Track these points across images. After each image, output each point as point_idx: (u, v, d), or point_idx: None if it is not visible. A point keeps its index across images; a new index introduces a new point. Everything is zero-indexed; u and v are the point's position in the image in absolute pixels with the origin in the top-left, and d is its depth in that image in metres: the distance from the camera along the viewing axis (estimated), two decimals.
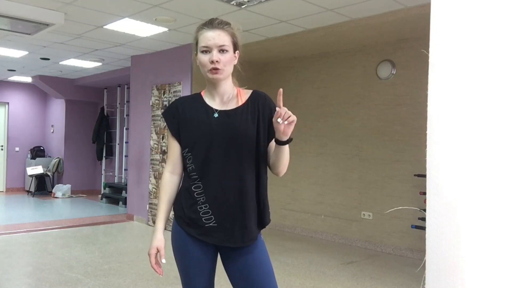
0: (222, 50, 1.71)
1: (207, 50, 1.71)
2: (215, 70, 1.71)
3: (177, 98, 1.90)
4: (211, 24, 1.73)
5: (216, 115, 1.76)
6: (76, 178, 10.24)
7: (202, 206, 1.73)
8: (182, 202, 1.79)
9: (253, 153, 1.75)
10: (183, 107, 1.83)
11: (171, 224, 1.85)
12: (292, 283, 4.05)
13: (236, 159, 1.71)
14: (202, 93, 1.86)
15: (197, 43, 1.77)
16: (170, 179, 1.83)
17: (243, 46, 1.83)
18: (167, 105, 6.40)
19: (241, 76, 1.87)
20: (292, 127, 1.63)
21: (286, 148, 1.72)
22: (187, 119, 1.79)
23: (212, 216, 1.72)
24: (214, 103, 1.80)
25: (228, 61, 1.73)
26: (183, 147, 1.80)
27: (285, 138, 1.66)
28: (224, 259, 1.81)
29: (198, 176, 1.74)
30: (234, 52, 1.77)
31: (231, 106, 1.79)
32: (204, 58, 1.72)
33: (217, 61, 1.69)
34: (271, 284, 1.75)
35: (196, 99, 1.84)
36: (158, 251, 1.77)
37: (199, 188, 1.74)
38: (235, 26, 1.78)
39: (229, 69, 1.76)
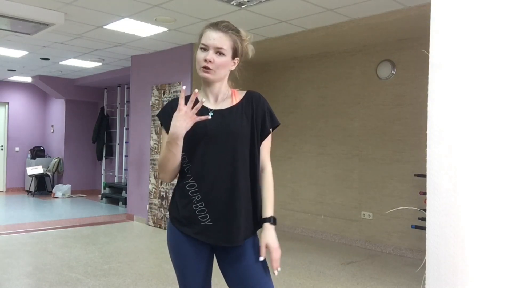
0: (219, 53, 1.72)
1: (205, 48, 1.73)
2: (206, 69, 1.72)
3: (173, 98, 1.89)
4: (216, 25, 1.75)
5: (210, 114, 1.77)
6: (76, 178, 10.24)
7: (198, 204, 1.73)
8: (177, 201, 1.79)
9: (247, 152, 1.76)
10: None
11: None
12: (292, 283, 4.05)
13: (230, 158, 1.72)
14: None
15: (200, 41, 1.77)
16: None
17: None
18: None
19: (240, 76, 1.87)
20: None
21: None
22: None
23: (208, 215, 1.73)
24: (209, 103, 1.80)
25: (222, 64, 1.73)
26: None
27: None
28: (220, 259, 1.81)
29: (193, 175, 1.74)
30: (234, 59, 1.77)
31: (225, 105, 1.80)
32: (200, 55, 1.74)
33: (210, 61, 1.71)
34: (266, 284, 1.75)
35: (190, 99, 1.85)
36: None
37: (193, 187, 1.74)
38: (244, 34, 1.79)
39: (222, 72, 1.76)
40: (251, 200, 1.78)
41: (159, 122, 6.57)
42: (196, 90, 1.69)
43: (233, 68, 1.80)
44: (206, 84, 1.80)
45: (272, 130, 1.85)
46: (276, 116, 1.86)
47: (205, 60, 1.71)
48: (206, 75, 1.74)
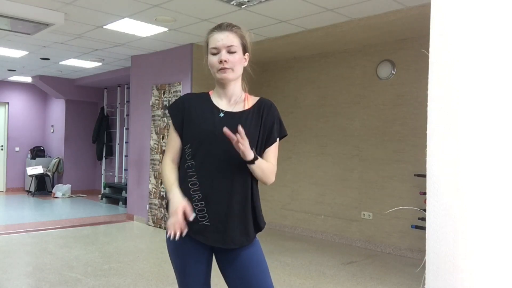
0: (230, 51, 1.74)
1: (216, 52, 1.74)
2: (223, 69, 1.74)
3: (183, 94, 1.89)
4: (220, 27, 1.77)
5: (221, 114, 1.78)
6: (76, 178, 10.24)
7: (198, 203, 1.73)
8: None
9: None
10: (189, 103, 1.84)
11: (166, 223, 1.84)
12: (292, 283, 4.05)
13: (235, 160, 1.72)
14: (210, 93, 1.87)
15: (207, 47, 1.79)
16: (172, 164, 1.83)
17: None
18: (168, 103, 6.40)
19: (247, 75, 1.87)
20: (241, 148, 1.64)
21: (254, 167, 1.71)
22: (192, 115, 1.80)
23: (206, 215, 1.73)
24: (221, 104, 1.82)
25: (237, 61, 1.76)
26: (184, 142, 1.80)
27: (245, 159, 1.68)
28: (220, 259, 1.81)
29: (196, 173, 1.75)
30: (244, 54, 1.80)
31: (238, 108, 1.81)
32: (213, 59, 1.75)
33: (225, 61, 1.72)
34: (267, 284, 1.75)
35: (203, 98, 1.85)
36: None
37: (195, 185, 1.74)
38: (244, 29, 1.81)
39: (238, 70, 1.78)
40: (251, 204, 1.78)
41: (159, 122, 6.62)
42: None
43: (245, 64, 1.82)
44: (221, 85, 1.81)
45: (280, 139, 1.85)
46: (285, 126, 1.87)
47: (220, 62, 1.73)
48: (224, 75, 1.75)
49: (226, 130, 1.61)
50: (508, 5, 1.27)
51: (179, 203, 1.70)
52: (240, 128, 1.60)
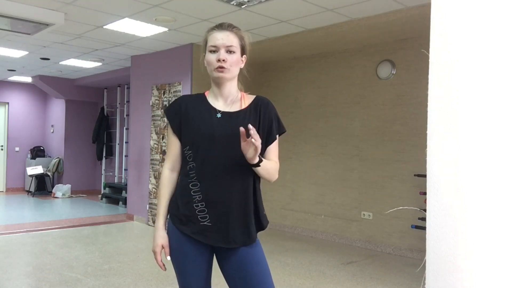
0: (229, 51, 1.74)
1: (215, 50, 1.74)
2: (221, 68, 1.73)
3: (179, 96, 1.89)
4: (220, 26, 1.77)
5: (219, 115, 1.78)
6: (76, 178, 10.24)
7: (198, 204, 1.74)
8: (178, 199, 1.80)
9: None
10: (186, 105, 1.84)
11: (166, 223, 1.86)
12: (292, 283, 4.05)
13: (235, 160, 1.72)
14: (205, 93, 1.87)
15: (206, 44, 1.79)
16: (170, 176, 1.85)
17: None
18: (168, 104, 6.39)
19: (243, 78, 1.88)
20: (252, 152, 1.62)
21: (259, 169, 1.72)
22: (189, 117, 1.80)
23: (207, 215, 1.73)
24: (218, 104, 1.82)
25: (234, 62, 1.76)
26: (183, 144, 1.81)
27: (251, 162, 1.67)
28: (220, 259, 1.82)
29: (196, 174, 1.75)
30: (242, 56, 1.80)
31: (234, 108, 1.81)
32: (211, 57, 1.75)
33: (223, 60, 1.72)
34: (267, 284, 1.76)
35: (199, 98, 1.85)
36: (163, 248, 1.80)
37: (196, 186, 1.74)
38: (244, 32, 1.82)
39: (235, 70, 1.78)
40: (253, 203, 1.78)
41: (159, 122, 6.62)
42: None
43: (242, 66, 1.82)
44: (217, 85, 1.81)
45: (278, 136, 1.85)
46: (283, 123, 1.87)
47: (218, 60, 1.73)
48: (221, 74, 1.74)
49: (241, 129, 1.59)
50: (508, 5, 1.27)
51: (158, 243, 1.80)
52: (250, 126, 1.56)
